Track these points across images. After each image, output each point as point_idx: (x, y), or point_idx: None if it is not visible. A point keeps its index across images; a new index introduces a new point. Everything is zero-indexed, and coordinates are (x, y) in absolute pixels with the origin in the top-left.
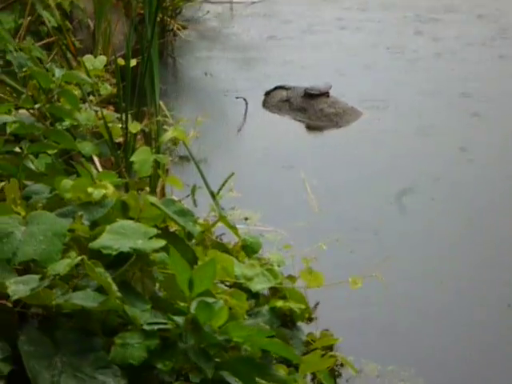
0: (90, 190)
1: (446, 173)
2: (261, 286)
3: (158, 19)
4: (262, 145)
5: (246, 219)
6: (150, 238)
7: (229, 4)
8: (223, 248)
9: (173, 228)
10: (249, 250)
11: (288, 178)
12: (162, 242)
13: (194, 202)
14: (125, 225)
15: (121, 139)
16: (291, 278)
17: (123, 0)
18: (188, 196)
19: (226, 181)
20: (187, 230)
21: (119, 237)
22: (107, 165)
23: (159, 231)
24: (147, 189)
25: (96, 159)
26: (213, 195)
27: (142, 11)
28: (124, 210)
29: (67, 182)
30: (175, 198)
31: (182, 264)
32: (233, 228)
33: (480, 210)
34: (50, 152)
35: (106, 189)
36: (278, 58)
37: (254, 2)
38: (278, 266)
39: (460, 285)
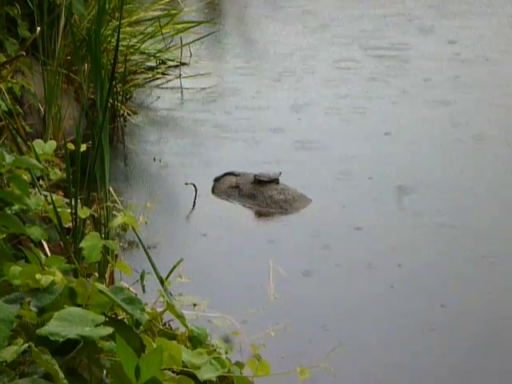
0: (38, 276)
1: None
2: (208, 374)
3: (109, 104)
4: (212, 231)
5: (195, 305)
6: (98, 325)
7: (179, 89)
8: (171, 336)
9: (121, 315)
10: (195, 340)
11: (239, 264)
12: (109, 330)
13: (143, 287)
14: (72, 312)
15: (70, 224)
16: (239, 364)
17: (74, 85)
18: (137, 282)
19: (174, 266)
20: (135, 317)
21: (67, 323)
22: (56, 250)
23: (107, 319)
24: (96, 274)
25: (45, 244)
26: (161, 281)
27: (92, 96)
28: (72, 297)
29: (16, 268)
30: (124, 284)
31: (128, 352)
32: (180, 317)
33: None
34: None
35: (54, 275)
36: (228, 145)
37: (203, 88)
38: (226, 352)
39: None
